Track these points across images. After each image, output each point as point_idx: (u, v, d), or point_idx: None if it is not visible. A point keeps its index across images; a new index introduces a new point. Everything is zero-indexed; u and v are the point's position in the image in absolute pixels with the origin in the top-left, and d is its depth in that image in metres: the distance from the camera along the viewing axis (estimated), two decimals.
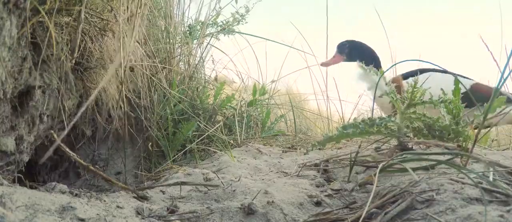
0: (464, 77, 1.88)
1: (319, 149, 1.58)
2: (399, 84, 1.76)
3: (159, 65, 1.76)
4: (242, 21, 2.13)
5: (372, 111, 1.42)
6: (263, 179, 1.22)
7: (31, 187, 0.94)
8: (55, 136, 1.05)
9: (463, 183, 0.83)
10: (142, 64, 1.56)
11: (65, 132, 1.20)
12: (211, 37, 2.13)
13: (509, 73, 0.99)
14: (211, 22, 2.12)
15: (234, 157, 1.51)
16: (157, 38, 1.89)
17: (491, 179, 0.84)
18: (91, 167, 1.04)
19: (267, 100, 2.30)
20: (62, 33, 1.07)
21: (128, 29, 1.23)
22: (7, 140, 0.98)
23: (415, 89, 1.18)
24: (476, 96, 1.55)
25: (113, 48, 1.29)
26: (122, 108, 1.46)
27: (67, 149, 1.03)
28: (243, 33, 2.20)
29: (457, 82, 1.18)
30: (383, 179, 1.02)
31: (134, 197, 1.04)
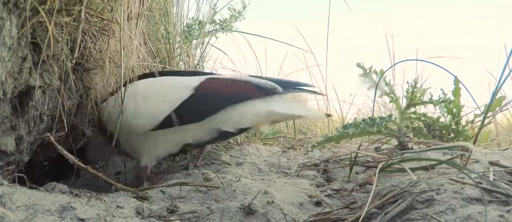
0: (185, 75, 1.28)
1: (319, 149, 1.58)
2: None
3: (159, 65, 1.76)
4: (239, 17, 2.11)
5: (373, 111, 1.42)
6: (263, 179, 1.22)
7: (30, 187, 0.94)
8: (51, 138, 1.04)
9: (463, 183, 0.83)
10: (142, 64, 1.56)
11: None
12: (208, 35, 2.12)
13: (509, 73, 0.99)
14: (208, 21, 2.11)
15: (235, 156, 1.51)
16: (156, 38, 1.89)
17: (491, 179, 0.84)
18: (91, 169, 1.04)
19: None
20: (62, 33, 1.07)
21: (130, 30, 1.23)
22: (7, 140, 0.98)
23: (415, 89, 1.18)
24: (207, 99, 1.14)
25: (113, 48, 1.29)
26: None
27: (65, 151, 1.03)
28: (241, 32, 2.20)
29: (457, 81, 1.18)
30: (383, 179, 1.02)
31: (134, 197, 1.04)
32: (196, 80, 1.17)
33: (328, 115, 1.49)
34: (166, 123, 1.13)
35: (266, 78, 1.27)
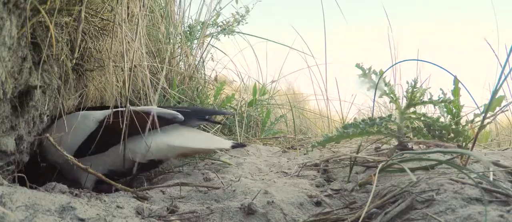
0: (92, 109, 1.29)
1: (319, 149, 1.58)
2: None
3: (159, 65, 1.76)
4: (242, 21, 2.14)
5: (373, 111, 1.42)
6: (263, 179, 1.22)
7: (30, 187, 0.94)
8: (50, 138, 1.05)
9: (463, 183, 0.83)
10: (142, 64, 1.56)
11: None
12: (211, 37, 2.13)
13: (509, 72, 0.99)
14: (211, 23, 2.12)
15: (235, 156, 1.51)
16: (157, 38, 1.89)
17: (491, 179, 0.84)
18: (90, 170, 1.05)
19: (267, 100, 2.30)
20: (62, 33, 1.07)
21: (130, 31, 1.23)
22: (7, 140, 0.98)
23: (415, 89, 1.18)
24: (107, 133, 1.18)
25: (114, 48, 1.29)
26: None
27: (64, 152, 1.03)
28: (243, 33, 2.21)
29: (456, 81, 1.18)
30: (383, 179, 1.02)
31: (134, 197, 1.04)
32: (101, 115, 1.22)
33: (243, 145, 1.43)
34: (77, 153, 1.17)
35: (173, 108, 1.33)
